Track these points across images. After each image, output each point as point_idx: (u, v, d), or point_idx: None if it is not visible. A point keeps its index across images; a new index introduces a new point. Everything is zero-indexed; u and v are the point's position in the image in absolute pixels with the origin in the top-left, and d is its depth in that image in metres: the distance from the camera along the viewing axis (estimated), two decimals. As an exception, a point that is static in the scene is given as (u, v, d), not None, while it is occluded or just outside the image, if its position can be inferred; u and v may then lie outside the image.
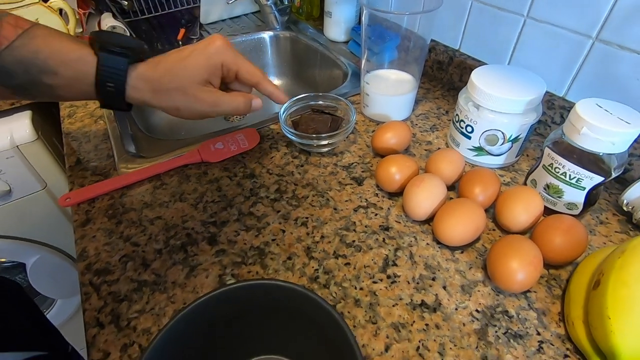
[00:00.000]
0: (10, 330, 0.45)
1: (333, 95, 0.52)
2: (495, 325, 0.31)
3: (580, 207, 0.38)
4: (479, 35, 0.56)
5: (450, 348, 0.30)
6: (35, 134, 0.71)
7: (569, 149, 0.36)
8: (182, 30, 0.83)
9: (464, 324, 0.32)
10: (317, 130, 0.48)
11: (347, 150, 0.50)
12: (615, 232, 0.39)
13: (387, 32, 0.51)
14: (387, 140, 0.47)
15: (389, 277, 0.35)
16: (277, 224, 0.40)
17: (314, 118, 0.50)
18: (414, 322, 0.32)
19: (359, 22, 0.77)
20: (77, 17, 0.73)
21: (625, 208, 0.39)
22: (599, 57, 0.43)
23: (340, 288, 0.34)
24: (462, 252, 0.37)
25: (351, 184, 0.45)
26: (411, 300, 0.33)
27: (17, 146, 0.69)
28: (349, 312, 0.32)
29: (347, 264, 0.36)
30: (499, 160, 0.46)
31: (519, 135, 0.43)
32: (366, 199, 0.43)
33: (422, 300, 0.33)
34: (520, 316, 0.32)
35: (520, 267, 0.31)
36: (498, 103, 0.40)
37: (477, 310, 0.33)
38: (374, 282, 0.35)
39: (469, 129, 0.44)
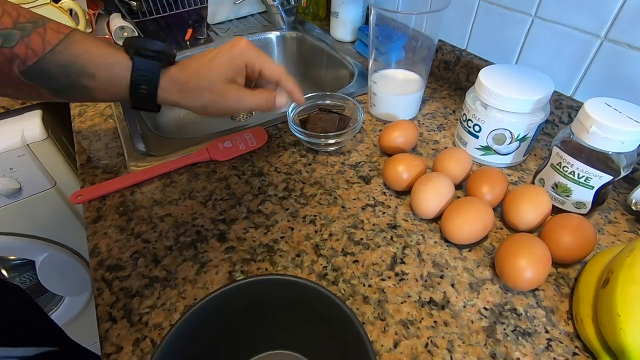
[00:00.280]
0: (21, 327, 0.46)
1: (340, 95, 0.53)
2: (503, 323, 0.32)
3: (589, 206, 0.38)
4: (486, 35, 0.56)
5: (459, 345, 0.30)
6: (45, 133, 0.72)
7: (577, 148, 0.36)
8: (190, 31, 0.84)
9: (472, 322, 0.32)
10: (325, 129, 0.49)
11: (354, 149, 0.51)
12: (624, 231, 0.39)
13: (395, 32, 0.51)
14: (394, 140, 0.47)
15: (397, 274, 0.35)
16: (285, 221, 0.41)
17: (322, 117, 0.51)
18: (422, 319, 0.32)
19: (366, 22, 0.77)
20: (87, 17, 0.73)
21: (634, 207, 0.39)
22: (608, 56, 0.43)
23: (348, 285, 0.35)
24: (470, 251, 0.37)
25: (359, 183, 0.45)
26: (419, 297, 0.34)
27: (27, 145, 0.70)
28: (357, 309, 0.33)
29: (356, 261, 0.37)
30: (507, 160, 0.46)
31: (526, 135, 0.43)
32: (374, 198, 0.43)
33: (431, 298, 0.34)
34: (528, 314, 0.32)
35: (528, 265, 0.31)
36: (506, 102, 0.41)
37: (485, 308, 0.33)
38: (382, 280, 0.35)
39: (477, 128, 0.45)
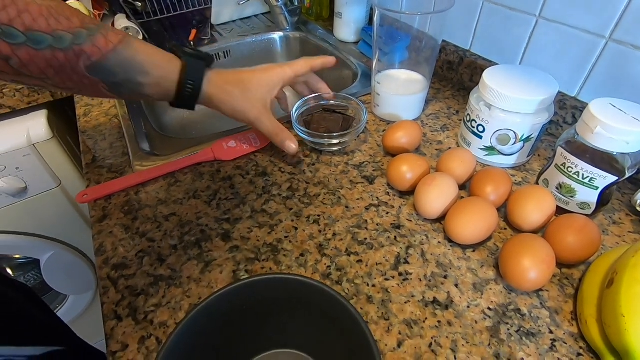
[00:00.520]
0: (29, 326, 0.46)
1: (344, 95, 0.53)
2: (507, 323, 0.32)
3: (593, 207, 0.38)
4: (490, 35, 0.56)
5: (463, 345, 0.30)
6: (51, 133, 0.72)
7: (582, 149, 0.36)
8: (194, 31, 0.84)
9: (476, 322, 0.32)
10: (329, 130, 0.49)
11: (358, 150, 0.51)
12: (629, 232, 0.39)
13: (398, 32, 0.51)
14: (398, 140, 0.47)
15: (400, 274, 0.36)
16: (289, 221, 0.41)
17: (326, 117, 0.51)
18: (426, 319, 0.32)
19: (369, 22, 0.77)
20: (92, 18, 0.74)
21: (638, 208, 0.39)
22: (613, 57, 0.43)
23: (352, 285, 0.35)
24: (473, 251, 0.38)
25: (362, 183, 0.46)
26: (423, 297, 0.34)
27: (33, 144, 0.71)
28: (361, 309, 0.33)
29: (359, 261, 0.37)
30: (511, 160, 0.46)
31: (530, 135, 0.43)
32: (377, 198, 0.44)
33: (434, 298, 0.34)
34: (532, 314, 0.32)
35: (532, 265, 0.31)
36: (510, 103, 0.41)
37: (489, 308, 0.33)
38: (386, 280, 0.35)
39: (481, 128, 0.45)
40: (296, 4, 0.84)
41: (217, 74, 0.41)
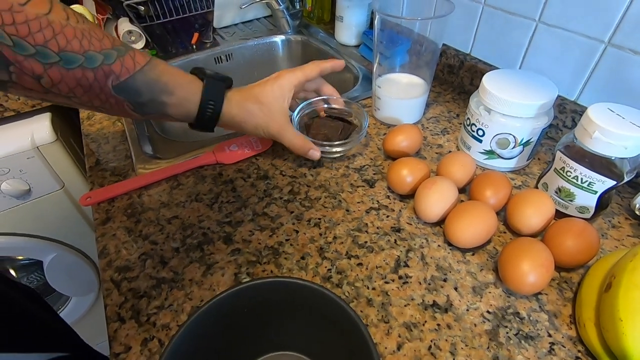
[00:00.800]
0: (35, 331, 0.47)
1: (345, 99, 0.53)
2: (506, 327, 0.32)
3: (592, 211, 0.38)
4: (490, 39, 0.57)
5: (462, 348, 0.31)
6: (54, 135, 0.73)
7: (580, 153, 0.36)
8: (196, 35, 0.85)
9: (475, 325, 0.32)
10: (327, 137, 0.48)
11: (358, 153, 0.51)
12: (628, 236, 0.39)
13: (399, 36, 0.52)
14: (398, 143, 0.47)
15: (400, 277, 0.36)
16: (290, 224, 0.41)
17: (326, 124, 0.50)
18: (425, 322, 0.32)
19: (370, 26, 0.78)
20: (96, 22, 0.75)
21: (637, 212, 0.39)
22: (612, 61, 0.43)
23: (352, 288, 0.35)
24: (473, 254, 0.38)
25: (363, 186, 0.46)
26: (423, 300, 0.34)
27: (37, 147, 0.72)
28: (361, 312, 0.33)
29: (360, 264, 0.37)
30: (510, 164, 0.46)
31: (530, 139, 0.43)
32: (378, 201, 0.44)
33: (434, 301, 0.34)
34: (531, 318, 0.32)
35: (531, 269, 0.32)
36: (510, 107, 0.41)
37: (488, 312, 0.33)
38: (386, 283, 0.35)
39: (480, 132, 0.45)
40: (298, 7, 0.84)
41: (236, 93, 0.42)
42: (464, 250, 0.38)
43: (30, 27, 0.27)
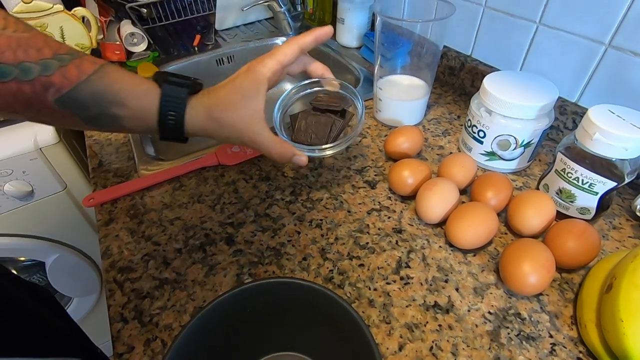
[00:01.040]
0: (49, 335, 0.46)
1: (341, 81, 0.42)
2: (507, 327, 0.32)
3: (593, 212, 0.38)
4: (491, 41, 0.57)
5: (463, 348, 0.31)
6: (57, 137, 0.73)
7: (581, 154, 0.36)
8: (198, 37, 0.85)
9: (476, 326, 0.32)
10: (316, 136, 0.41)
11: (360, 154, 0.51)
12: (629, 237, 0.39)
13: (400, 38, 0.52)
14: (399, 145, 0.47)
15: (402, 278, 0.36)
16: (292, 225, 0.42)
17: (312, 119, 0.41)
18: (427, 322, 0.33)
19: (372, 28, 0.78)
20: (99, 24, 0.75)
21: (638, 213, 0.40)
22: (612, 63, 0.43)
23: (354, 288, 0.35)
24: (474, 255, 0.38)
25: (364, 187, 0.46)
26: (424, 301, 0.34)
27: (40, 148, 0.72)
28: (363, 312, 0.33)
29: (361, 265, 0.37)
30: (511, 165, 0.46)
31: (531, 141, 0.43)
32: (379, 202, 0.44)
33: (435, 302, 0.34)
34: (532, 319, 0.33)
35: (532, 270, 0.32)
36: (510, 109, 0.41)
37: (489, 312, 0.33)
38: (388, 283, 0.36)
39: (481, 134, 0.45)
40: (299, 9, 0.85)
41: (202, 99, 0.35)
42: (465, 251, 0.38)
43: None
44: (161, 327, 0.33)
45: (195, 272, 0.37)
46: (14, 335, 0.40)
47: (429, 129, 0.56)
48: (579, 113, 0.47)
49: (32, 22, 0.65)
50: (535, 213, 0.37)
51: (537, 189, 0.44)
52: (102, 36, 0.79)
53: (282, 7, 0.82)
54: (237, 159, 0.50)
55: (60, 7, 0.67)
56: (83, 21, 0.70)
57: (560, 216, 0.40)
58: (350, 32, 0.78)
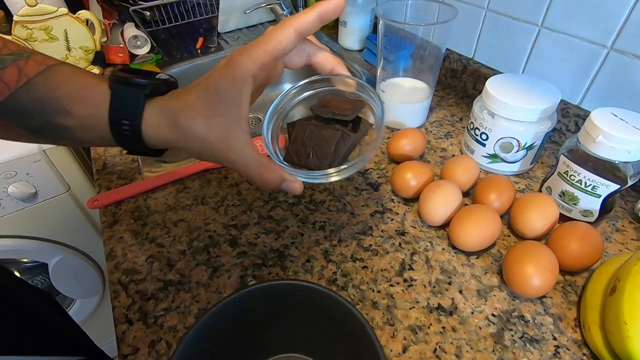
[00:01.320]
0: (53, 335, 0.47)
1: (356, 80, 0.30)
2: (511, 330, 0.32)
3: (596, 215, 0.38)
4: (493, 44, 0.57)
5: (467, 351, 0.31)
6: (61, 139, 0.74)
7: (584, 157, 0.36)
8: (201, 39, 0.86)
9: (480, 328, 0.32)
10: (316, 155, 0.29)
11: (362, 157, 0.52)
12: (632, 239, 0.39)
13: (402, 41, 0.52)
14: (402, 147, 0.48)
15: (405, 280, 0.36)
16: (295, 227, 0.42)
17: (314, 132, 0.30)
18: (430, 324, 0.33)
19: (374, 31, 0.78)
20: (103, 27, 0.76)
21: (641, 216, 0.40)
22: (614, 66, 0.43)
23: (358, 290, 0.35)
24: (477, 258, 0.38)
25: (367, 190, 0.46)
26: (428, 303, 0.34)
27: (44, 150, 0.72)
28: (367, 314, 0.33)
29: (365, 267, 0.37)
30: (514, 168, 0.46)
31: (533, 143, 0.43)
32: (382, 204, 0.44)
33: (439, 304, 0.34)
34: (536, 321, 0.33)
35: (535, 272, 0.32)
36: (513, 111, 0.41)
37: (493, 315, 0.33)
38: (391, 285, 0.36)
39: (484, 136, 0.45)
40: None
41: (167, 104, 0.27)
42: (468, 254, 0.38)
43: None
44: (166, 328, 0.33)
45: (199, 274, 0.37)
46: (14, 334, 0.40)
47: (431, 132, 0.56)
48: (581, 116, 0.47)
49: (37, 25, 0.66)
50: (538, 215, 0.37)
51: (540, 191, 0.44)
52: (105, 39, 0.80)
53: (284, 10, 0.82)
54: (240, 161, 0.50)
55: (65, 10, 0.67)
56: (87, 24, 0.71)
57: (563, 219, 0.40)
58: (352, 35, 0.78)
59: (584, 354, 0.30)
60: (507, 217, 0.41)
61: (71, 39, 0.70)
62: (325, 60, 0.29)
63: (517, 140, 0.43)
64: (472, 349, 0.31)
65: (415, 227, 0.41)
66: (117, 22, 0.84)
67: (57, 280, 0.87)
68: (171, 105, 0.26)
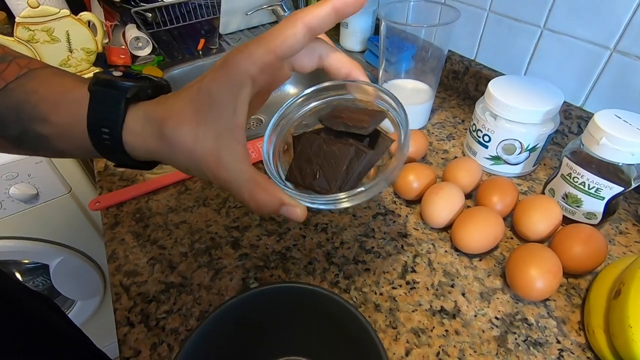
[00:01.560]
0: (53, 338, 0.46)
1: (378, 86, 0.26)
2: (514, 333, 0.32)
3: (600, 217, 0.38)
4: (495, 45, 0.57)
5: (470, 354, 0.31)
6: (62, 140, 0.74)
7: (587, 159, 0.36)
8: (202, 41, 0.86)
9: (483, 331, 0.32)
10: (323, 176, 0.24)
11: (364, 158, 0.51)
12: (635, 242, 0.39)
13: (404, 42, 0.52)
14: (404, 149, 0.47)
15: (408, 283, 0.36)
16: (297, 229, 0.42)
17: (323, 148, 0.25)
18: (433, 327, 0.32)
19: (375, 32, 0.78)
20: (105, 29, 0.76)
21: (645, 218, 0.39)
22: (617, 67, 0.43)
23: (360, 293, 0.35)
24: (480, 260, 0.38)
25: (369, 191, 0.46)
26: (430, 306, 0.34)
27: (45, 152, 0.72)
28: (369, 317, 0.33)
29: (367, 269, 0.37)
30: (516, 170, 0.46)
31: (536, 145, 0.43)
32: (384, 206, 0.44)
33: (442, 307, 0.34)
34: (539, 324, 0.32)
35: (539, 275, 0.32)
36: (516, 113, 0.41)
37: (496, 318, 0.33)
38: (394, 288, 0.36)
39: (486, 138, 0.45)
40: (303, 14, 0.85)
41: (153, 109, 0.23)
42: (471, 256, 0.38)
43: None
44: (167, 331, 0.33)
45: (201, 276, 0.37)
46: (14, 336, 0.40)
47: (433, 133, 0.56)
48: (584, 117, 0.47)
49: (39, 26, 0.66)
50: (541, 218, 0.37)
51: (543, 193, 0.44)
52: (107, 40, 0.80)
53: (285, 12, 0.82)
54: (242, 162, 0.50)
55: (67, 11, 0.67)
56: (89, 25, 0.71)
57: (566, 221, 0.40)
58: (354, 36, 0.78)
59: (588, 358, 0.30)
60: (510, 220, 0.41)
61: (73, 40, 0.70)
62: (340, 63, 0.25)
63: (520, 142, 0.43)
64: (475, 352, 0.31)
65: (417, 230, 0.41)
66: (118, 23, 0.84)
67: (58, 281, 0.88)
68: (157, 111, 0.23)
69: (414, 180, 0.42)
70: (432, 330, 0.32)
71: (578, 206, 0.39)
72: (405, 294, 0.35)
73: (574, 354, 0.30)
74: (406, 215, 0.43)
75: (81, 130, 0.23)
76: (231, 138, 0.22)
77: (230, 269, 0.38)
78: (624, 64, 0.42)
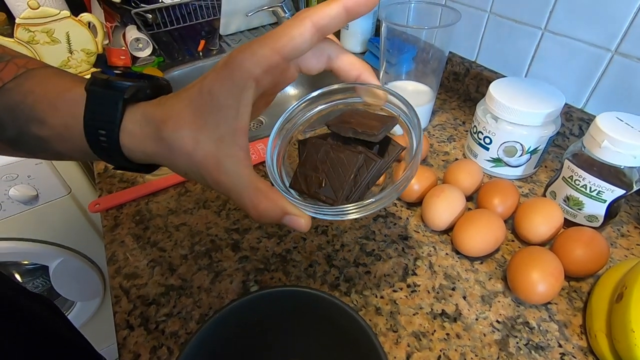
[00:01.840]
0: (52, 342, 0.46)
1: (389, 89, 0.24)
2: (516, 337, 0.32)
3: (601, 220, 0.38)
4: (496, 47, 0.57)
5: (472, 358, 0.30)
6: (62, 142, 0.74)
7: (589, 162, 0.36)
8: (202, 42, 0.86)
9: (484, 335, 0.32)
10: (329, 184, 0.23)
11: (365, 160, 0.51)
12: (637, 245, 0.39)
13: (405, 44, 0.52)
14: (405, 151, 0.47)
15: (409, 286, 0.36)
16: (297, 231, 0.41)
17: (329, 155, 0.24)
18: (434, 331, 0.32)
19: (376, 33, 0.78)
20: (105, 30, 0.76)
21: (647, 221, 0.39)
22: (619, 70, 0.43)
23: (361, 296, 0.35)
24: (481, 263, 0.38)
25: (370, 194, 0.46)
26: (431, 309, 0.34)
27: (45, 153, 0.72)
28: (370, 320, 0.33)
29: (368, 272, 0.37)
30: (517, 172, 0.46)
31: (537, 147, 0.43)
32: (385, 209, 0.44)
33: (443, 310, 0.34)
34: (541, 328, 0.32)
35: (540, 278, 0.31)
36: (517, 115, 0.41)
37: (497, 321, 0.33)
38: (394, 291, 0.35)
39: (487, 140, 0.45)
40: (303, 15, 0.85)
41: (151, 111, 0.22)
42: (472, 259, 0.38)
43: None
44: (167, 334, 0.33)
45: (201, 279, 0.37)
46: (14, 338, 0.40)
47: (434, 135, 0.56)
48: (585, 119, 0.47)
49: (39, 27, 0.66)
50: (542, 221, 0.37)
51: (544, 196, 0.44)
52: (107, 41, 0.80)
53: (286, 13, 0.82)
54: (242, 164, 0.50)
55: (67, 13, 0.67)
56: (89, 27, 0.71)
57: (567, 224, 0.40)
58: (354, 38, 0.78)
59: (590, 362, 0.30)
60: (511, 222, 0.41)
61: (73, 41, 0.70)
62: (350, 65, 0.24)
63: (521, 144, 0.43)
64: (476, 356, 0.31)
65: (418, 232, 0.41)
66: (119, 24, 0.84)
67: (57, 282, 0.87)
68: (156, 113, 0.22)
69: (414, 182, 0.42)
70: (433, 334, 0.32)
71: (579, 209, 0.39)
72: (406, 297, 0.35)
73: (575, 358, 0.30)
74: (407, 218, 0.43)
75: (78, 132, 0.23)
76: (233, 142, 0.21)
77: (230, 272, 0.38)
78: (626, 66, 0.42)
